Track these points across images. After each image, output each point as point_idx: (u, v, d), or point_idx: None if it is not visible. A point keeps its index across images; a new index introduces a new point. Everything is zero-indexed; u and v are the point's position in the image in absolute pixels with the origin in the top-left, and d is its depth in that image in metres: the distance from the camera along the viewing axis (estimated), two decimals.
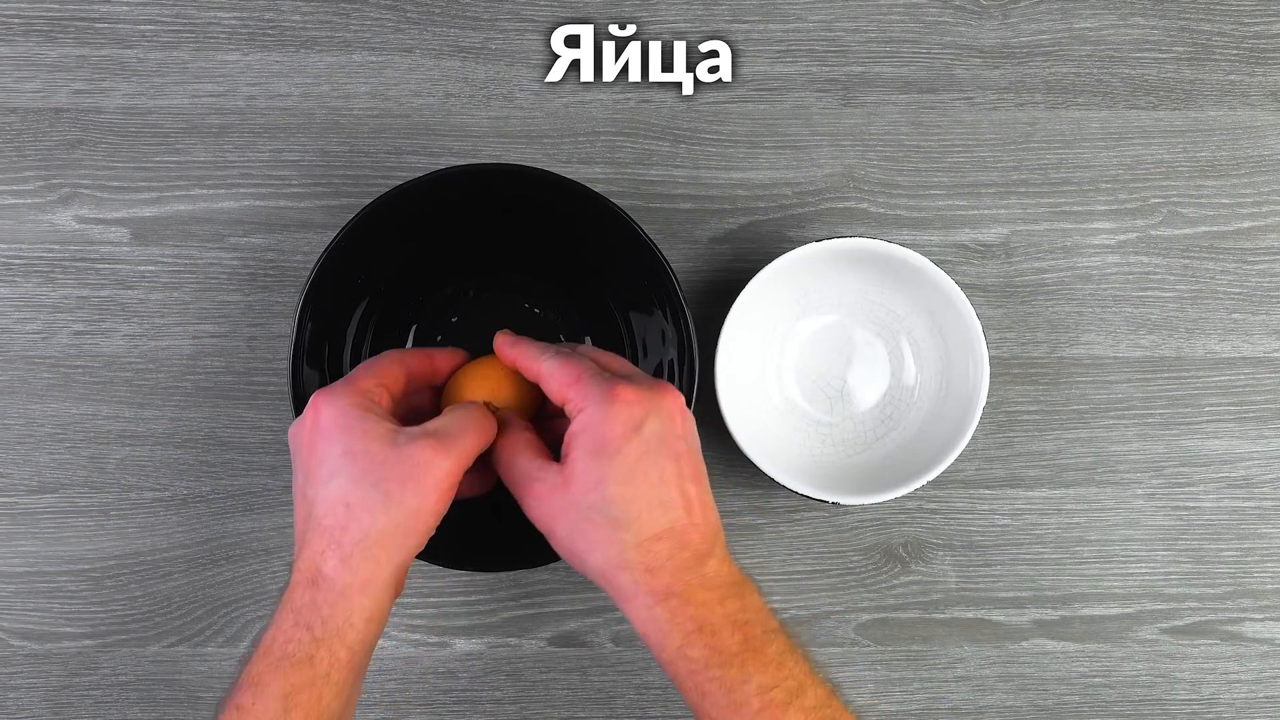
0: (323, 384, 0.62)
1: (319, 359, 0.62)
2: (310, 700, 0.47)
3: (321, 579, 0.48)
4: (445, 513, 0.50)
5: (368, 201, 0.60)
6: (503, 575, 0.67)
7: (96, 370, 0.67)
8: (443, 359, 0.57)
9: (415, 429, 0.50)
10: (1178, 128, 0.69)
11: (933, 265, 0.62)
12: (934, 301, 0.64)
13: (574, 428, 0.49)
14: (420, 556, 0.61)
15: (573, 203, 0.61)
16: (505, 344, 0.55)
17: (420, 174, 0.60)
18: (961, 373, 0.64)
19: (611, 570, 0.48)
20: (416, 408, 0.57)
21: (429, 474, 0.48)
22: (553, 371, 0.51)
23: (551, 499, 0.49)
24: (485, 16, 0.68)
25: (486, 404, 0.54)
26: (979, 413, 0.62)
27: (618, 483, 0.48)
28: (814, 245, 0.62)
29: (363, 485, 0.48)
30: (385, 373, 0.53)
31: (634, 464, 0.48)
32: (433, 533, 0.50)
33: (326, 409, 0.50)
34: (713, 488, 0.69)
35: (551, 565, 0.66)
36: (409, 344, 0.66)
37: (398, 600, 0.67)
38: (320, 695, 0.47)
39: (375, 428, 0.49)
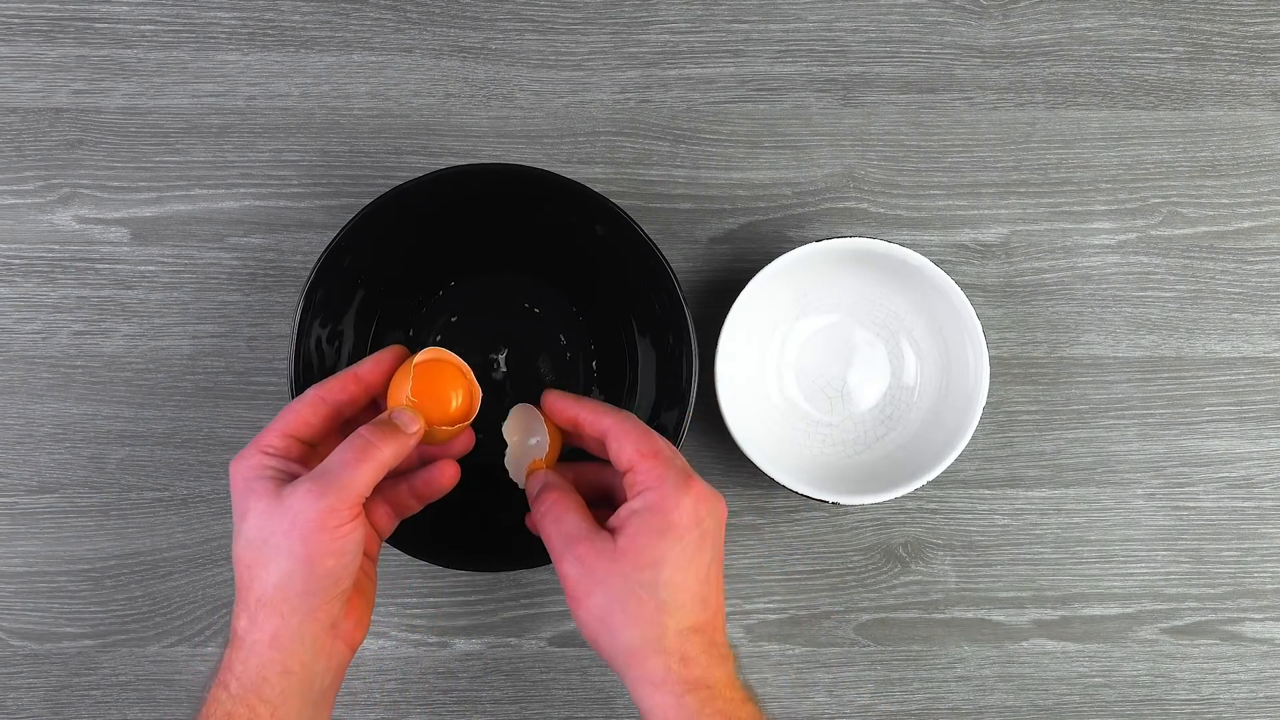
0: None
1: (319, 359, 0.62)
2: None
3: (235, 638, 0.50)
4: (353, 550, 0.49)
5: (368, 201, 0.60)
6: (502, 575, 0.67)
7: (96, 370, 0.67)
8: (369, 369, 0.55)
9: (302, 476, 0.50)
10: (1178, 128, 0.69)
11: (933, 265, 0.62)
12: (934, 301, 0.64)
13: (638, 503, 0.50)
14: (420, 557, 0.61)
15: (572, 203, 0.61)
16: (564, 404, 0.56)
17: (420, 174, 0.60)
18: (961, 373, 0.64)
19: (646, 650, 0.49)
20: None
21: (307, 519, 0.48)
22: (628, 435, 0.52)
23: (597, 564, 0.50)
24: (485, 16, 0.68)
25: (406, 407, 0.53)
26: (979, 413, 0.62)
27: (674, 568, 0.49)
28: (814, 245, 0.62)
29: (254, 544, 0.49)
30: (295, 420, 0.53)
31: (691, 555, 0.50)
32: (351, 574, 0.50)
33: (233, 475, 0.51)
34: (715, 489, 0.69)
35: (551, 565, 0.66)
36: (408, 344, 0.66)
37: (397, 600, 0.67)
38: None
39: (262, 486, 0.50)
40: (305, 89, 0.67)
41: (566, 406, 0.56)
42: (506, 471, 0.59)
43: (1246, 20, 0.69)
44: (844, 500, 0.62)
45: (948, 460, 0.62)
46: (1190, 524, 0.68)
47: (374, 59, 0.68)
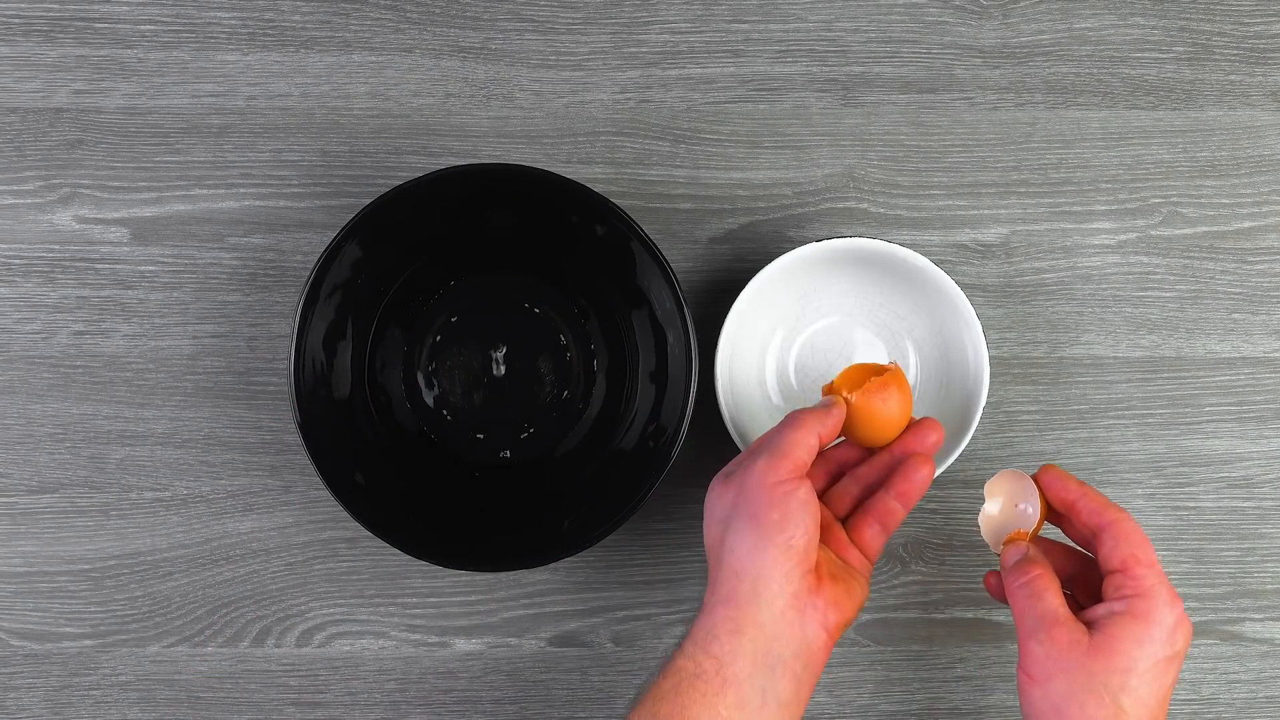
0: (320, 383, 0.62)
1: (319, 359, 0.62)
2: (672, 710, 0.50)
3: (701, 609, 0.54)
4: (798, 508, 0.52)
5: (368, 201, 0.60)
6: (502, 575, 0.67)
7: (96, 370, 0.67)
8: (833, 426, 0.57)
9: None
10: (1178, 128, 0.69)
11: (933, 265, 0.62)
12: (934, 302, 0.64)
13: (1122, 606, 0.52)
14: (420, 556, 0.61)
15: (572, 203, 0.61)
16: (1067, 485, 0.56)
17: (420, 174, 0.60)
18: (962, 373, 0.64)
19: None
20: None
21: (750, 478, 0.53)
22: (1129, 537, 0.53)
23: (1068, 652, 0.51)
24: (485, 16, 0.68)
25: (829, 393, 0.57)
26: (979, 413, 0.62)
27: (1142, 679, 0.51)
28: (814, 245, 0.62)
29: (715, 527, 0.54)
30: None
31: (1160, 672, 0.51)
32: (805, 540, 0.52)
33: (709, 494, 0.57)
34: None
35: (551, 565, 0.66)
36: (401, 345, 0.66)
37: (397, 600, 0.67)
38: (684, 705, 0.50)
39: (716, 482, 0.56)
40: (305, 89, 0.67)
41: (1069, 489, 0.56)
42: (976, 528, 0.60)
43: (1247, 20, 0.69)
44: None
45: (948, 460, 0.62)
46: (1190, 524, 0.68)
47: (374, 59, 0.68)
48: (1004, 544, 0.57)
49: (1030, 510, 0.57)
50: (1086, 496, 0.55)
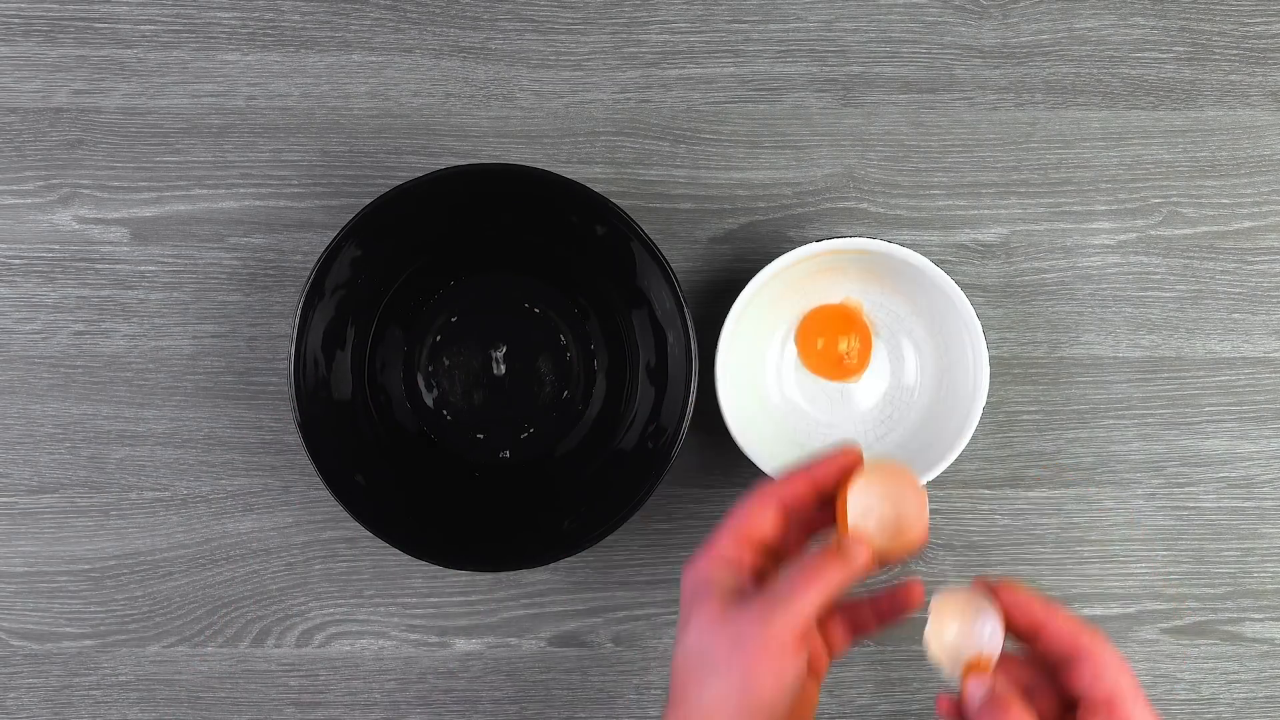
0: (320, 383, 0.62)
1: (319, 358, 0.62)
2: None
3: None
4: (794, 678, 0.47)
5: (368, 201, 0.60)
6: (502, 575, 0.67)
7: (96, 370, 0.67)
8: (823, 470, 0.52)
9: (752, 592, 0.49)
10: (1178, 128, 0.69)
11: (933, 265, 0.62)
12: (934, 301, 0.64)
13: None
14: (420, 556, 0.61)
15: (572, 203, 0.61)
16: (1031, 605, 0.51)
17: (420, 174, 0.60)
18: (961, 373, 0.64)
19: None
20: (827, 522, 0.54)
21: (750, 642, 0.47)
22: (1111, 668, 0.49)
23: None
24: (485, 16, 0.68)
25: (845, 536, 0.51)
26: (979, 413, 0.62)
27: None
28: (814, 245, 0.62)
29: (693, 657, 0.48)
30: (748, 525, 0.51)
31: None
32: (790, 702, 0.47)
33: (683, 579, 0.51)
34: (714, 489, 0.69)
35: (552, 565, 0.66)
36: (401, 345, 0.66)
37: (397, 600, 0.67)
38: None
39: (709, 597, 0.49)
40: (305, 89, 0.67)
41: (1035, 611, 0.50)
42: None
43: (1247, 20, 0.69)
44: None
45: (948, 460, 0.62)
46: (1190, 524, 0.68)
47: (374, 59, 0.68)
48: (965, 672, 0.50)
49: (991, 632, 0.50)
50: (1055, 619, 0.50)
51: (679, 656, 0.49)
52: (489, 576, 0.67)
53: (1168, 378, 0.69)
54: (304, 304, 0.60)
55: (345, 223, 0.60)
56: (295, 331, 0.60)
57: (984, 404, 0.62)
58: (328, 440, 0.61)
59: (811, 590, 0.48)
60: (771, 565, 0.52)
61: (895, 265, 0.63)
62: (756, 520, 0.51)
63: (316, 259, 0.60)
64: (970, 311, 0.62)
